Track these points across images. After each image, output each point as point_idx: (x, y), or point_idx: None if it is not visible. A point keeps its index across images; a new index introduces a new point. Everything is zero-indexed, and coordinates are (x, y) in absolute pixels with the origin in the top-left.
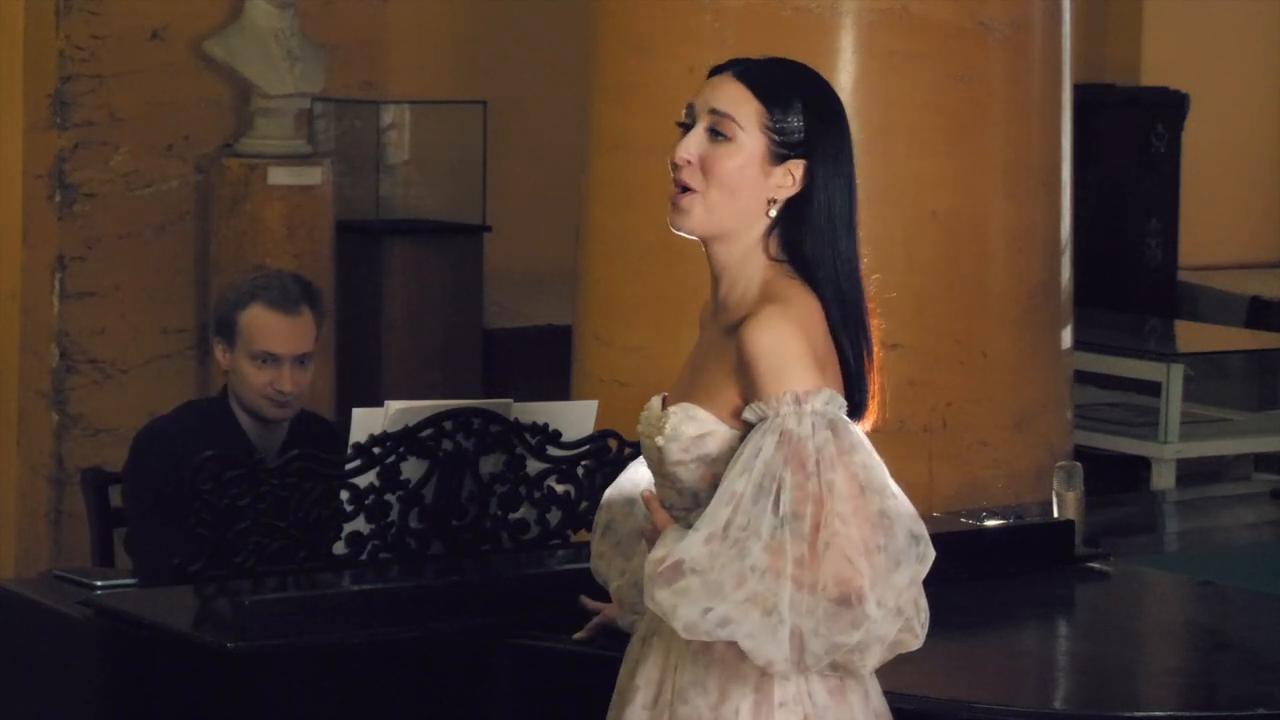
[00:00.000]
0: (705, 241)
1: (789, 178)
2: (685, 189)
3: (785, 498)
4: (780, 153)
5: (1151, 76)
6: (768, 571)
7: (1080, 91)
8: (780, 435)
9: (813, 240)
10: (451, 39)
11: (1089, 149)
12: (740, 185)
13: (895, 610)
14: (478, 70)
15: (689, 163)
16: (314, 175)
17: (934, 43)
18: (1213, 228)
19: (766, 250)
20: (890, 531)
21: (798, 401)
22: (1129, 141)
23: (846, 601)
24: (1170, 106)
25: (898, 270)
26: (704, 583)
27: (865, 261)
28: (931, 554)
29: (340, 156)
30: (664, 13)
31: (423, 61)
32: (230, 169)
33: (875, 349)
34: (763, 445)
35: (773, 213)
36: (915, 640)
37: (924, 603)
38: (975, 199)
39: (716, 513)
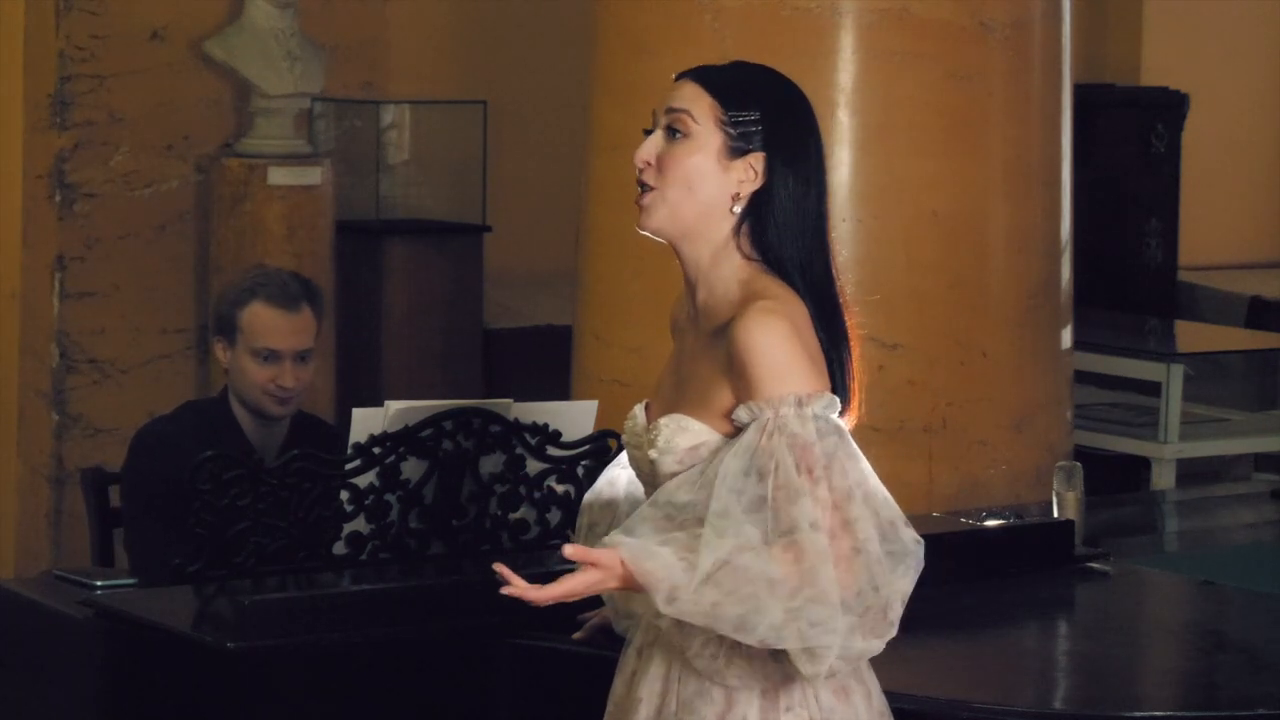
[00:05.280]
0: (674, 244)
1: (750, 172)
2: (646, 188)
3: (812, 501)
4: (738, 146)
5: (1151, 76)
6: (827, 576)
7: (1080, 91)
8: (790, 438)
9: (779, 234)
10: (451, 39)
11: (1089, 149)
12: (698, 180)
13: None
14: (478, 70)
15: (648, 164)
16: (314, 175)
17: (934, 43)
18: (1213, 228)
19: (740, 249)
20: (897, 538)
21: (800, 404)
22: (1129, 141)
23: (877, 608)
24: (1170, 106)
25: (898, 270)
26: (783, 586)
27: (851, 262)
28: (922, 563)
29: (340, 156)
30: (664, 13)
31: (423, 61)
32: (230, 169)
33: (854, 342)
34: (775, 448)
35: (737, 209)
36: (880, 647)
37: None
38: (975, 199)
39: (744, 516)
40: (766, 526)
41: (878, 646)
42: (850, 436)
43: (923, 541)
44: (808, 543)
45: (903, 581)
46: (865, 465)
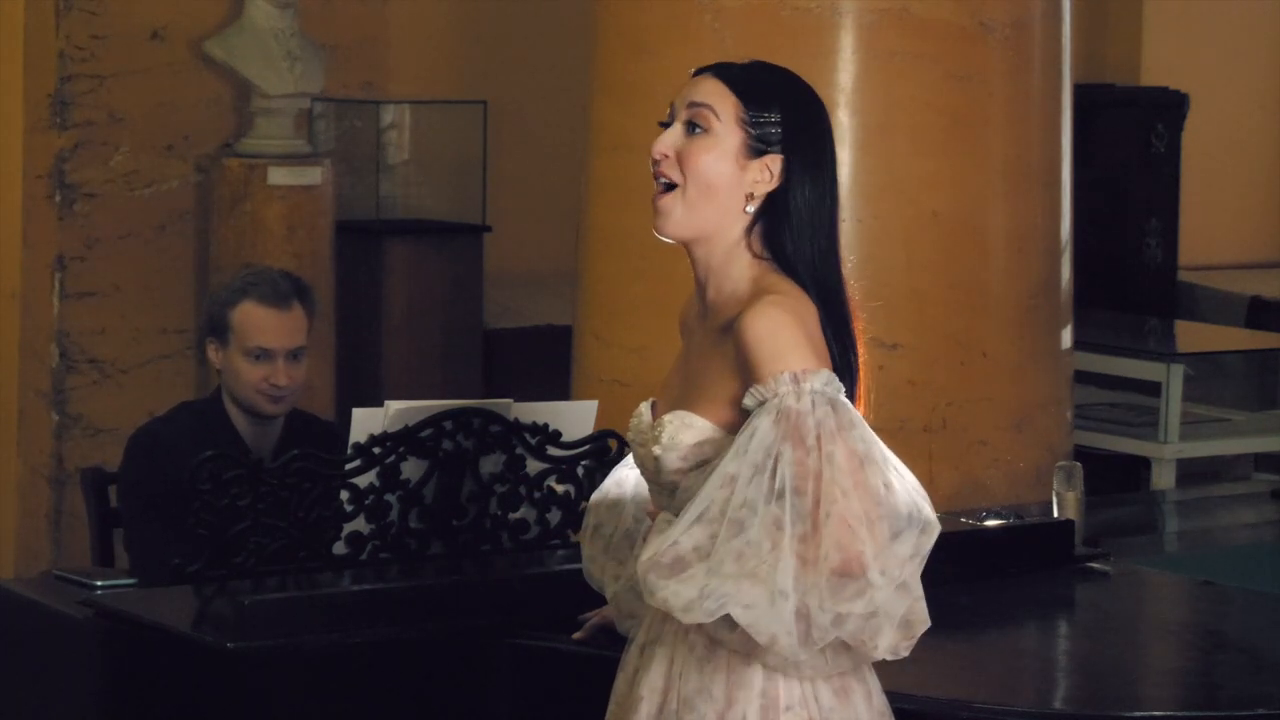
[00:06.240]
0: (688, 245)
1: (766, 172)
2: (666, 188)
3: (787, 473)
4: (757, 147)
5: (1151, 76)
6: (768, 547)
7: (1080, 91)
8: (778, 413)
9: (792, 236)
10: (451, 39)
11: (1089, 149)
12: (716, 179)
13: (899, 582)
14: (478, 70)
15: (666, 156)
16: (314, 175)
17: (934, 43)
18: (1213, 228)
19: (750, 248)
20: (891, 503)
21: (796, 380)
22: (1129, 141)
23: (849, 571)
24: (1170, 106)
25: (898, 270)
26: (707, 566)
27: (851, 262)
28: (936, 525)
29: (340, 156)
30: (664, 13)
31: (423, 61)
32: (230, 169)
33: (860, 348)
34: (759, 426)
35: (750, 209)
36: (925, 621)
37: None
38: (975, 199)
39: (712, 495)
40: (754, 501)
41: (860, 609)
42: (851, 408)
43: (922, 508)
44: (773, 517)
45: (900, 547)
46: (865, 433)
